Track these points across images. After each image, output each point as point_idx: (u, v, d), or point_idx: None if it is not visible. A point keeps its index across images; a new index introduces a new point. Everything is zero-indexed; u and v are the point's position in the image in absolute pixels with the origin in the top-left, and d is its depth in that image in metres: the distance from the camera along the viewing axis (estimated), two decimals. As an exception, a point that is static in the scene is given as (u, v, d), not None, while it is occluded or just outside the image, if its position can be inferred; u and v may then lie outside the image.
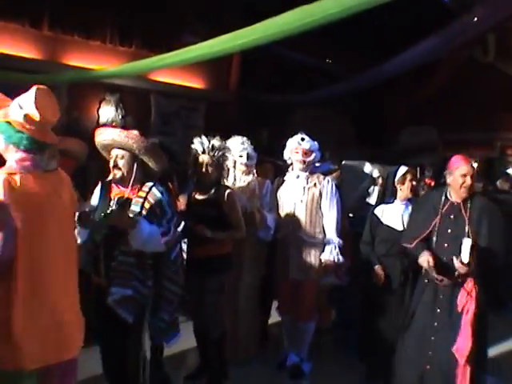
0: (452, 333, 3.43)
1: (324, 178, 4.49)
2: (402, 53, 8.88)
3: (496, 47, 10.78)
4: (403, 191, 4.34)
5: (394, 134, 13.83)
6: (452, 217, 3.59)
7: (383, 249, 4.27)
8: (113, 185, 3.23)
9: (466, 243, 3.29)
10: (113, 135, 3.11)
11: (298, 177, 4.49)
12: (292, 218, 4.43)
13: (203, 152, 3.93)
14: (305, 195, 4.41)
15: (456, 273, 3.38)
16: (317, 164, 4.78)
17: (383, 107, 13.67)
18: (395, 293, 4.17)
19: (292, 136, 4.54)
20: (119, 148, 3.13)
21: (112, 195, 3.19)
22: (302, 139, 4.45)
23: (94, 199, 3.29)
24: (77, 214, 2.79)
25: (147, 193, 3.12)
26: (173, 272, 3.35)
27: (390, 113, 13.88)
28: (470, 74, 12.19)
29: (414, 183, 4.41)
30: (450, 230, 3.56)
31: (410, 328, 3.68)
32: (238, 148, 4.37)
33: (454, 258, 3.32)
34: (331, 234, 4.35)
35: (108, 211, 2.98)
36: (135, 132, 3.16)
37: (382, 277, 4.19)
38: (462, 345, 3.36)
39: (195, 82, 10.06)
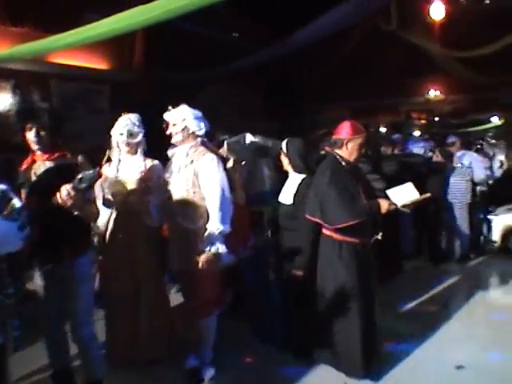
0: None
1: (204, 154, 3.77)
2: (309, 24, 8.96)
3: (398, 16, 11.13)
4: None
5: (304, 105, 14.11)
6: (357, 176, 3.84)
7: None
8: None
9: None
10: None
11: (173, 155, 3.93)
12: (169, 200, 3.88)
13: None
14: (179, 173, 3.82)
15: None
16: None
17: (292, 79, 13.83)
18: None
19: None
20: None
21: None
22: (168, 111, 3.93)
23: None
24: None
25: None
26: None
27: (299, 85, 14.09)
28: (376, 42, 12.61)
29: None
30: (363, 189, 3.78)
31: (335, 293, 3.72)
32: (118, 126, 3.93)
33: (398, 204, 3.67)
34: (212, 219, 3.65)
35: None
36: None
37: None
38: None
39: (97, 63, 9.67)
